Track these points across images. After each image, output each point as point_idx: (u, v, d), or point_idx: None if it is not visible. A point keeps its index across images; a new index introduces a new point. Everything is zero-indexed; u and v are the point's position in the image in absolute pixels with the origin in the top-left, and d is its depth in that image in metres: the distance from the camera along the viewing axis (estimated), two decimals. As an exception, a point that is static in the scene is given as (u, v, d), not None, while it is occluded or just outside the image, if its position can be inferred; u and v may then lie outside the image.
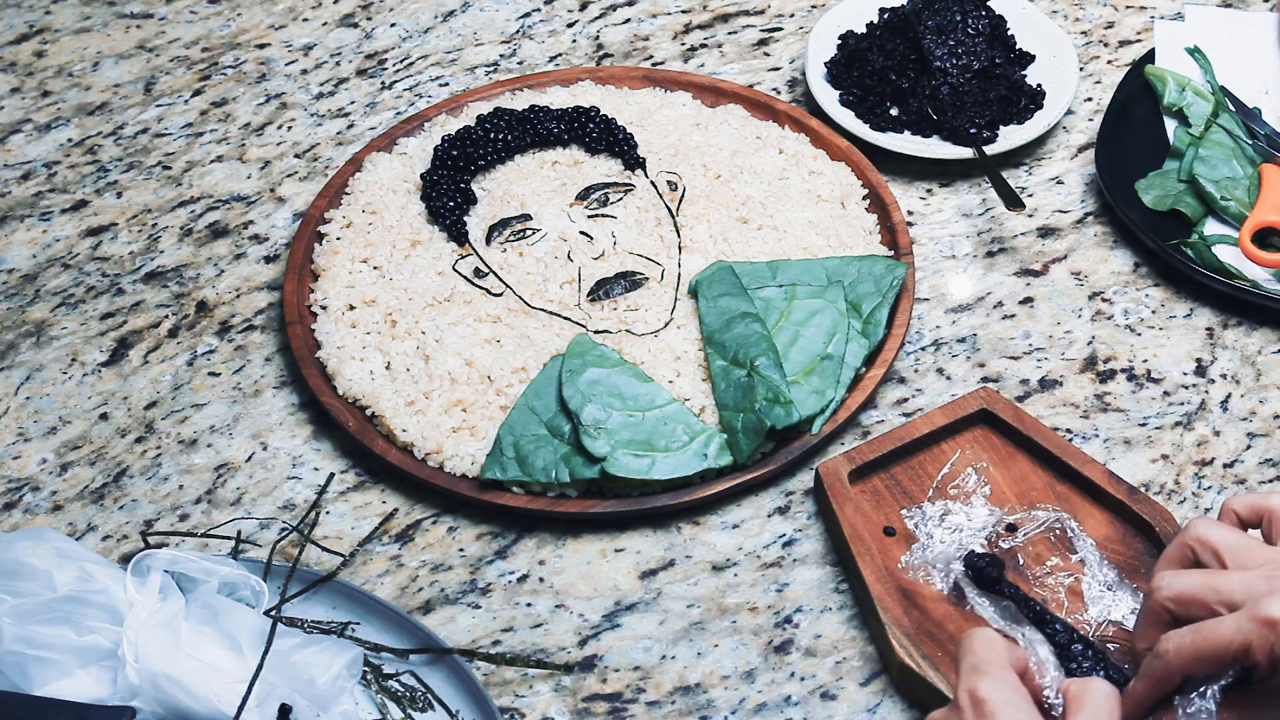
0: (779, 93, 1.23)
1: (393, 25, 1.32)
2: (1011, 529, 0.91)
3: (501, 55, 1.28)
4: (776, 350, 0.99)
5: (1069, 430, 1.00)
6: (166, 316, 1.09)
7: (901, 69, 1.19)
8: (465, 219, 1.10)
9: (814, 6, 1.31)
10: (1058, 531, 0.91)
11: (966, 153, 1.14)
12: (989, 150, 1.15)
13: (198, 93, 1.26)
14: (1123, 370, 1.03)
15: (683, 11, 1.31)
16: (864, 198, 1.12)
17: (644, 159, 1.13)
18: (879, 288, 1.03)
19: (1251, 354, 1.04)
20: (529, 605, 0.92)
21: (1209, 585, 0.75)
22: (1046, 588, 0.88)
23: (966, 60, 1.18)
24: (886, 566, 0.90)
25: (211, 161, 1.20)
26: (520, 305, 1.05)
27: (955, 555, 0.89)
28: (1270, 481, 0.97)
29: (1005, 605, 0.86)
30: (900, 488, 0.95)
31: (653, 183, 1.12)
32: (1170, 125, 1.15)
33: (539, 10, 1.32)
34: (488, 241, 1.09)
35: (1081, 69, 1.24)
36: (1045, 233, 1.12)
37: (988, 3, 1.23)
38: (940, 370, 1.04)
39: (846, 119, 1.17)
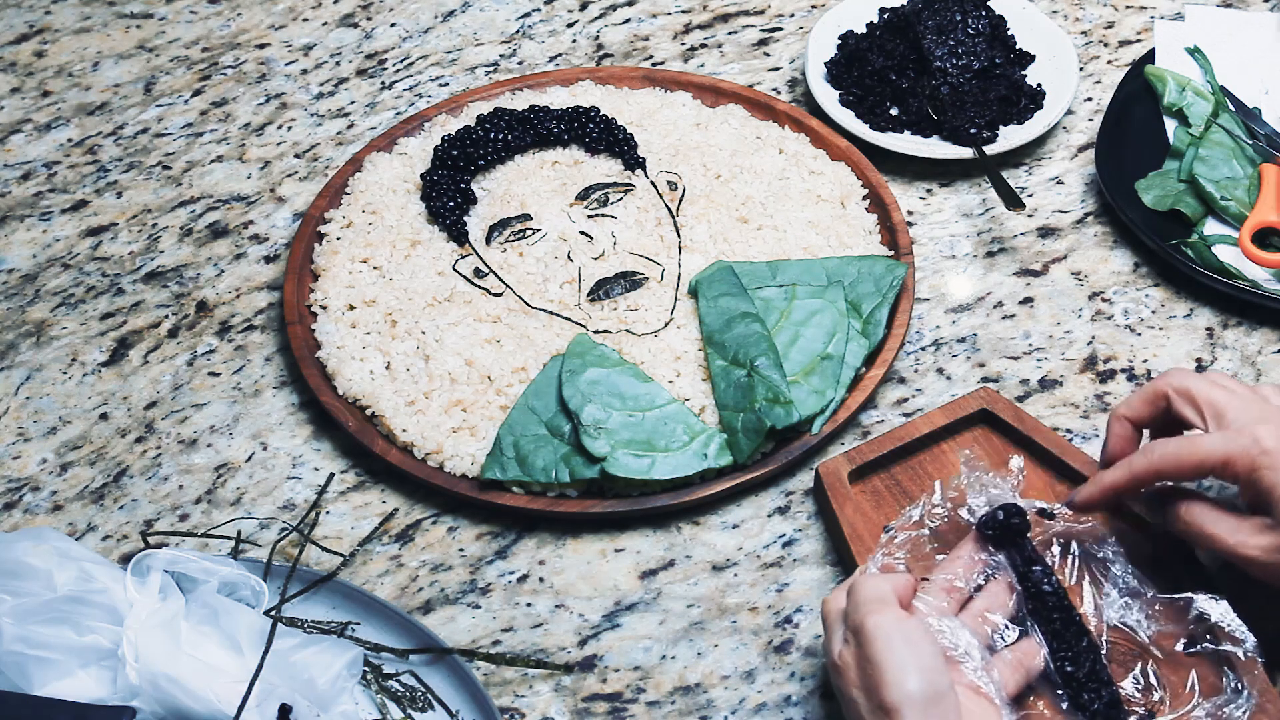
0: (779, 93, 1.23)
1: (393, 25, 1.32)
2: (1048, 515, 0.89)
3: (501, 55, 1.28)
4: (776, 350, 0.99)
5: (1069, 430, 1.00)
6: (166, 316, 1.09)
7: (901, 69, 1.19)
8: (465, 219, 1.10)
9: (814, 6, 1.31)
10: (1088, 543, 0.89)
11: (966, 153, 1.14)
12: (989, 150, 1.15)
13: (198, 93, 1.26)
14: (1123, 370, 1.03)
15: (683, 11, 1.31)
16: (864, 198, 1.12)
17: (644, 159, 1.13)
18: (879, 288, 1.03)
19: (1251, 354, 1.04)
20: (529, 605, 0.92)
21: (1212, 390, 0.83)
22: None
23: (966, 60, 1.18)
24: (886, 566, 0.90)
25: (211, 161, 1.20)
26: (520, 305, 1.05)
27: (995, 499, 0.86)
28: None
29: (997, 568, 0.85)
30: (900, 488, 0.95)
31: (653, 183, 1.12)
32: (1170, 125, 1.15)
33: (539, 10, 1.32)
34: (488, 241, 1.09)
35: (1081, 69, 1.24)
36: (1045, 233, 1.12)
37: (988, 3, 1.23)
38: (940, 370, 1.04)
39: (846, 119, 1.17)
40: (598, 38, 1.29)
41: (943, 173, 1.17)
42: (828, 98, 1.19)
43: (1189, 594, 0.83)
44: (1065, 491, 0.93)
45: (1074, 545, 0.87)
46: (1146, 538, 0.88)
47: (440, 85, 1.26)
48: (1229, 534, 0.80)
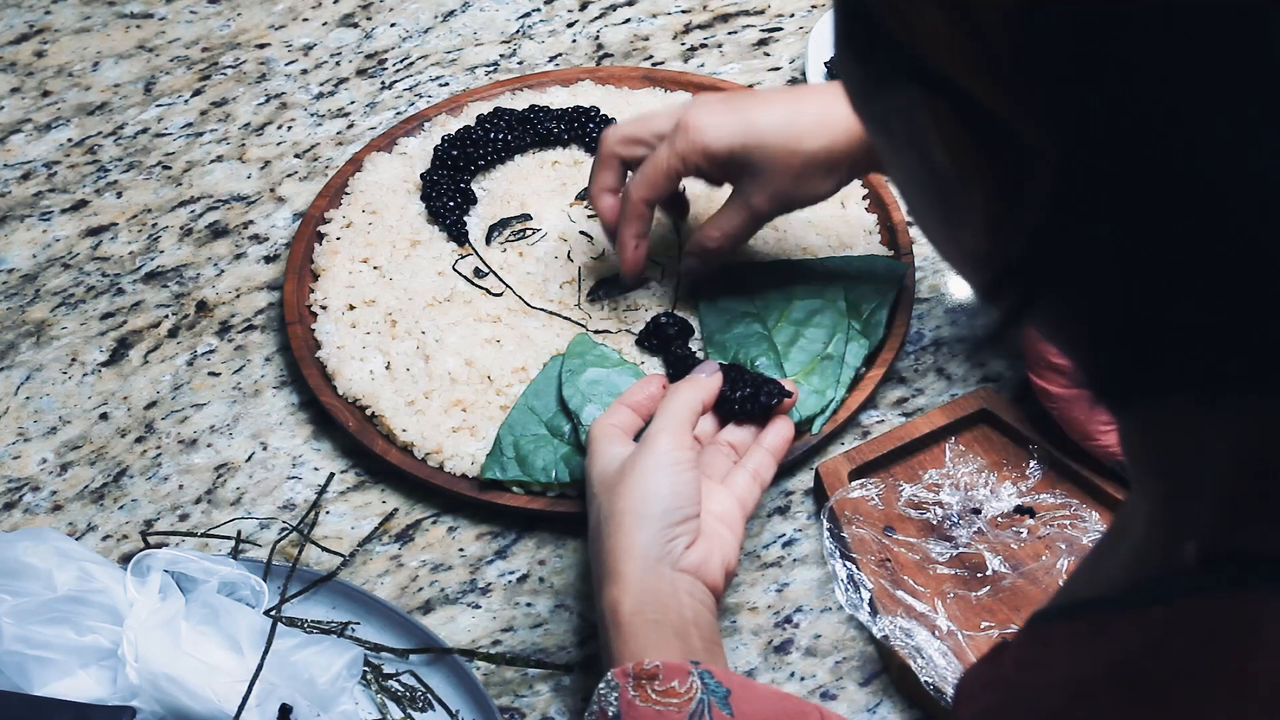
0: (779, 93, 1.23)
1: (393, 25, 1.32)
2: (1027, 511, 0.91)
3: (501, 55, 1.28)
4: (777, 350, 0.99)
5: (1069, 430, 1.00)
6: (166, 316, 1.09)
7: (901, 69, 1.19)
8: (465, 219, 1.10)
9: (814, 6, 1.31)
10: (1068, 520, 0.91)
11: (966, 153, 1.14)
12: (989, 150, 1.14)
13: (198, 93, 1.26)
14: (1123, 370, 1.03)
15: (683, 11, 1.31)
16: (864, 198, 1.12)
17: (644, 159, 1.13)
18: (879, 288, 1.03)
19: (1251, 354, 1.04)
20: (529, 605, 0.92)
21: (641, 122, 0.95)
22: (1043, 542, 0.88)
23: (966, 60, 1.18)
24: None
25: (211, 161, 1.20)
26: (520, 305, 1.05)
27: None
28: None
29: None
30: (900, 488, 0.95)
31: (653, 183, 1.12)
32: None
33: (539, 10, 1.32)
34: (488, 241, 1.09)
35: (1081, 69, 1.24)
36: (1045, 233, 1.12)
37: (988, 3, 1.22)
38: (940, 370, 1.04)
39: (846, 119, 1.17)
40: (598, 38, 1.29)
41: (943, 173, 1.16)
42: (828, 98, 1.19)
43: None
44: (1065, 492, 0.93)
45: (1061, 544, 0.88)
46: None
47: (440, 85, 1.26)
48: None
